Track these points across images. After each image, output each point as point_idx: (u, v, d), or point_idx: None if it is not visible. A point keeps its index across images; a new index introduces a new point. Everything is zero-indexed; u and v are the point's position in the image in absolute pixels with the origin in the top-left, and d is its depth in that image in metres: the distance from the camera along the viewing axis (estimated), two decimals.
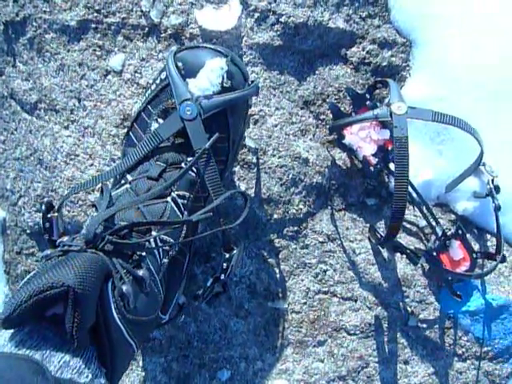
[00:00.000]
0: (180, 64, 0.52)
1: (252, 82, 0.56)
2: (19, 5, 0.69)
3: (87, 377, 0.35)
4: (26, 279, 0.36)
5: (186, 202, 0.51)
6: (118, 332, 0.37)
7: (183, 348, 0.72)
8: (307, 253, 0.74)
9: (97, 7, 0.66)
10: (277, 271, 0.73)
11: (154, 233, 0.46)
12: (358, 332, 0.76)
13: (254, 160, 0.69)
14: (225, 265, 0.51)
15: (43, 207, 0.50)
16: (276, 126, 0.71)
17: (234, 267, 0.52)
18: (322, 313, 0.75)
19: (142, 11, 0.66)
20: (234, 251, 0.51)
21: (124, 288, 0.38)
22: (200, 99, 0.51)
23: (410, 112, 0.61)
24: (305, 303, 0.75)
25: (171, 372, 0.72)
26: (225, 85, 0.52)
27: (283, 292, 0.74)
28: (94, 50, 0.67)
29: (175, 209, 0.50)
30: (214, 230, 0.49)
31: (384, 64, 0.75)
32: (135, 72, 0.67)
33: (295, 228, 0.73)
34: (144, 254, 0.43)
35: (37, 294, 0.33)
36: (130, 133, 0.56)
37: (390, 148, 0.73)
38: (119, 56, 0.66)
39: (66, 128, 0.69)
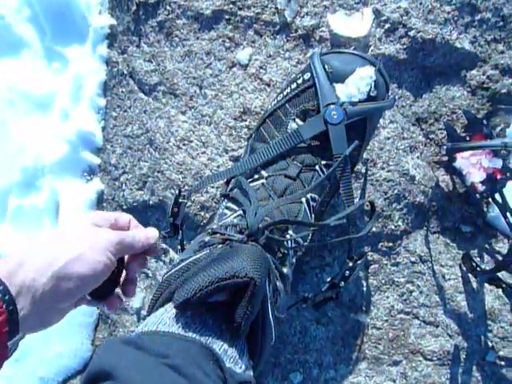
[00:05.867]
0: (326, 67, 0.52)
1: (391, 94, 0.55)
2: None
3: (241, 368, 0.35)
4: (197, 265, 0.36)
5: (315, 204, 0.51)
6: (270, 328, 0.38)
7: None
8: (397, 270, 0.73)
9: None
10: (364, 284, 0.73)
11: (290, 232, 0.46)
12: (434, 358, 0.74)
13: (363, 170, 0.69)
14: (347, 273, 0.51)
15: (176, 191, 0.51)
16: (388, 139, 0.70)
17: (354, 276, 0.51)
18: (402, 333, 0.74)
19: (276, 8, 0.66)
20: (359, 261, 0.51)
21: (278, 284, 0.38)
22: (345, 105, 0.50)
23: None
24: (386, 321, 0.74)
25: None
26: (371, 94, 0.51)
27: (367, 306, 0.73)
28: (224, 41, 0.68)
29: (307, 211, 0.50)
30: (343, 238, 0.49)
31: (503, 91, 0.73)
32: (260, 67, 0.67)
33: (390, 244, 0.72)
34: (286, 252, 0.44)
35: (219, 280, 0.33)
36: (261, 128, 0.56)
37: (498, 178, 0.71)
38: (247, 50, 0.67)
39: (183, 113, 0.70)
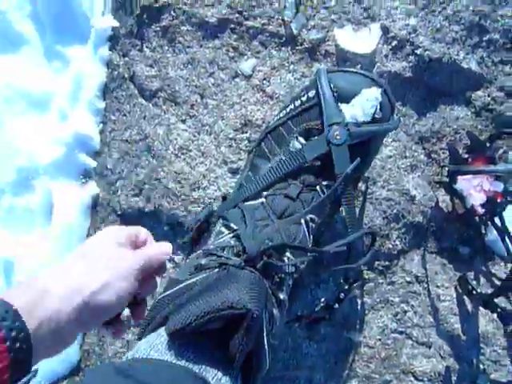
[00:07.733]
0: (332, 86, 0.51)
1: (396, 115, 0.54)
2: None
3: None
4: (192, 291, 0.35)
5: (314, 225, 0.51)
6: (265, 357, 0.37)
7: None
8: (392, 290, 0.72)
9: (240, 8, 0.65)
10: (359, 302, 0.72)
11: (288, 254, 0.45)
12: (425, 379, 0.74)
13: (363, 188, 0.68)
14: (342, 295, 0.50)
15: (209, 209, 0.50)
16: (390, 157, 0.69)
17: (347, 298, 0.51)
18: (394, 353, 0.73)
19: (283, 20, 0.65)
20: (354, 284, 0.50)
21: (274, 311, 0.38)
22: (349, 125, 0.50)
23: None
24: (379, 340, 0.73)
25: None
26: (376, 116, 0.50)
27: (360, 324, 0.72)
28: (228, 51, 0.66)
29: (306, 232, 0.49)
30: (343, 267, 0.48)
31: (508, 114, 0.72)
32: (264, 79, 0.66)
33: (386, 263, 0.71)
34: (283, 276, 0.43)
35: (215, 311, 0.32)
36: (262, 143, 0.55)
37: (498, 201, 0.71)
38: (251, 61, 0.66)
39: (183, 122, 0.69)
